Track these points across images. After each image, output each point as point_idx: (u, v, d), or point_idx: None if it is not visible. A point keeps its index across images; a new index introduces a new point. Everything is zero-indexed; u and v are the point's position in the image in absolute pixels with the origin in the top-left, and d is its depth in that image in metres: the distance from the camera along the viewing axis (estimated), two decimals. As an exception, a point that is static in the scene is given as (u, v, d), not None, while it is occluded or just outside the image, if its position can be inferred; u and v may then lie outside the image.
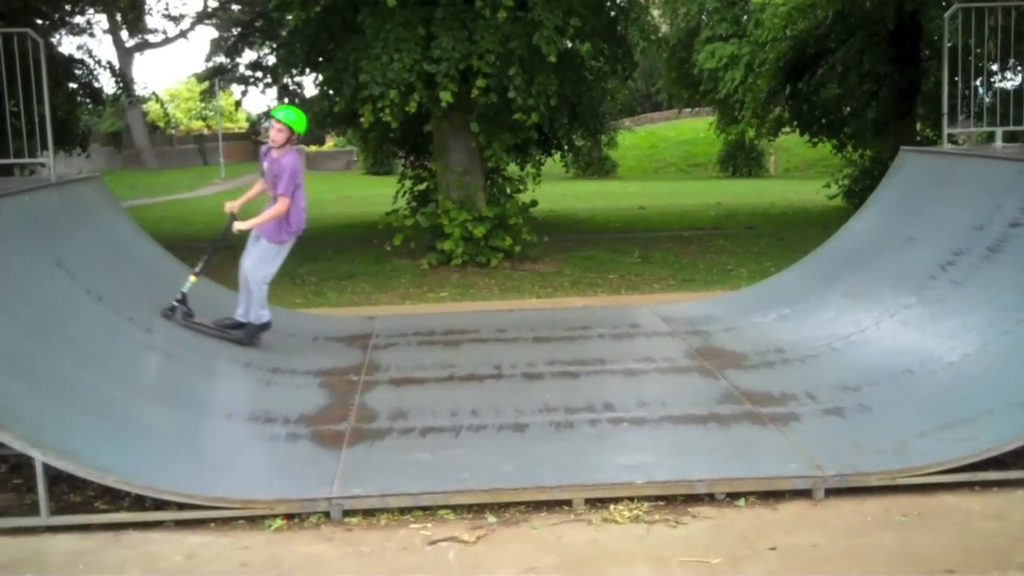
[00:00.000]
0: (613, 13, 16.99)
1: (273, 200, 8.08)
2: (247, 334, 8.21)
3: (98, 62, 22.99)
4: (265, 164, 8.15)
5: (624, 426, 6.42)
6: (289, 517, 5.28)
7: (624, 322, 9.54)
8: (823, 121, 23.13)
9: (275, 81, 19.94)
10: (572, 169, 42.40)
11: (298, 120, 8.05)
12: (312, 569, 4.77)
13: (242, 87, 22.42)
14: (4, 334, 5.95)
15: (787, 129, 25.04)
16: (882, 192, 9.67)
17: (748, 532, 5.02)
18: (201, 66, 22.28)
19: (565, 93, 15.75)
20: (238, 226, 8.08)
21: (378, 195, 25.71)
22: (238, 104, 25.21)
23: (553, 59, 13.49)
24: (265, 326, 8.29)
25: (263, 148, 8.26)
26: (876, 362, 7.23)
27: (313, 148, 57.23)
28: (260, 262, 8.15)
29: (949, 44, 9.93)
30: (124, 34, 43.14)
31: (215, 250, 8.47)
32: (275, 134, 8.03)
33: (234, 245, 8.76)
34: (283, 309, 10.80)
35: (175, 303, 8.03)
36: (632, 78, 20.62)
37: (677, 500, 5.38)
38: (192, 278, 8.18)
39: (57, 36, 24.26)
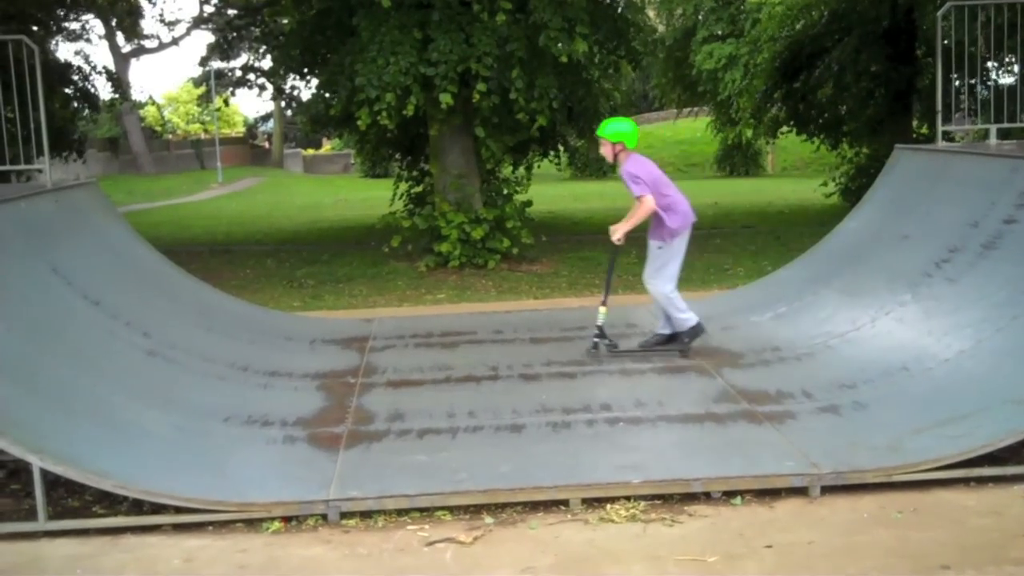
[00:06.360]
0: (615, 16, 16.95)
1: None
2: (681, 343, 8.09)
3: (94, 68, 23.07)
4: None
5: (621, 426, 6.43)
6: (286, 520, 5.29)
7: (621, 322, 9.53)
8: (820, 120, 23.15)
9: (272, 84, 19.96)
10: (569, 170, 42.42)
11: (615, 132, 7.88)
12: (310, 571, 4.78)
13: (238, 90, 22.43)
14: (1, 341, 5.95)
15: (785, 129, 25.05)
16: (877, 190, 9.68)
17: (744, 530, 5.03)
18: (197, 71, 22.29)
19: (564, 94, 15.75)
20: (615, 236, 8.02)
21: (376, 197, 25.72)
22: (226, 101, 25.02)
23: (565, 59, 13.52)
24: (696, 329, 8.07)
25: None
26: (872, 359, 7.24)
27: (310, 151, 57.42)
28: (655, 271, 8.08)
29: (943, 42, 9.96)
30: (120, 39, 43.16)
31: (611, 274, 8.35)
32: (603, 151, 8.00)
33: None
34: (280, 312, 10.86)
35: (595, 340, 8.08)
36: (639, 68, 20.55)
37: (674, 499, 5.39)
38: (602, 309, 8.10)
39: (53, 42, 24.31)
